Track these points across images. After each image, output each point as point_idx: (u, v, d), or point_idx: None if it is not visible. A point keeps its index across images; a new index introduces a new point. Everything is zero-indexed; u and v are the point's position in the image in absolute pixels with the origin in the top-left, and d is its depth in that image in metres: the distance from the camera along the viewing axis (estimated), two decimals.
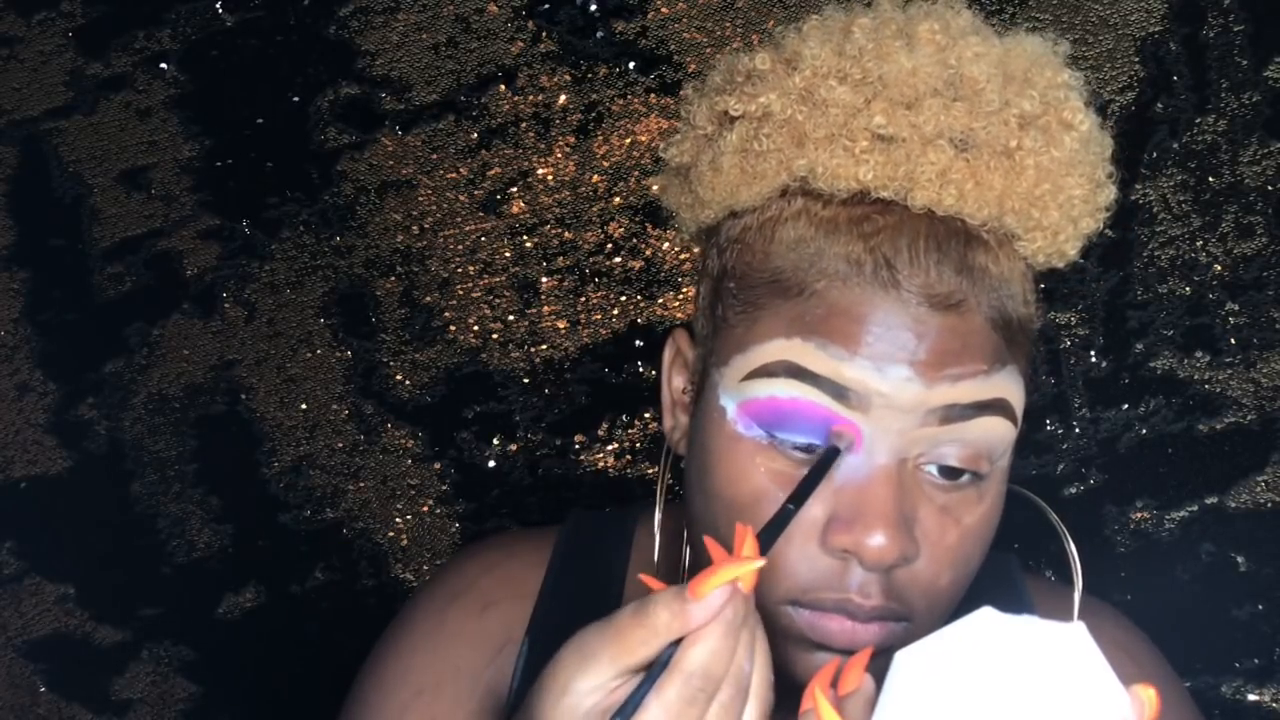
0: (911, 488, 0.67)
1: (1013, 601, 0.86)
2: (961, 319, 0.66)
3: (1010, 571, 0.88)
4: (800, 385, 0.65)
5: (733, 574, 0.57)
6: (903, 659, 0.56)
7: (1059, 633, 0.54)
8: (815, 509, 0.66)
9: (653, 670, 0.57)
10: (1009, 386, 0.67)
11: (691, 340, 0.76)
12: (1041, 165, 0.67)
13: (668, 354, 0.78)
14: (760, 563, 0.57)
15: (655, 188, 0.80)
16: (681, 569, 0.79)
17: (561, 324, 1.40)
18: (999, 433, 0.67)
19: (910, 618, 0.68)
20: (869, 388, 0.65)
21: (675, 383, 0.77)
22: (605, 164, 1.39)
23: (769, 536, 0.61)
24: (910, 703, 0.55)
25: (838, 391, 0.65)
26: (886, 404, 0.65)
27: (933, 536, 0.67)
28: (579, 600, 0.84)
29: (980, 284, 0.66)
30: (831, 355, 0.65)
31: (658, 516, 0.78)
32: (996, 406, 0.67)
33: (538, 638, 0.82)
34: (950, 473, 0.67)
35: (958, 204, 0.66)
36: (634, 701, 0.56)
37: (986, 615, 0.55)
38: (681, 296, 1.38)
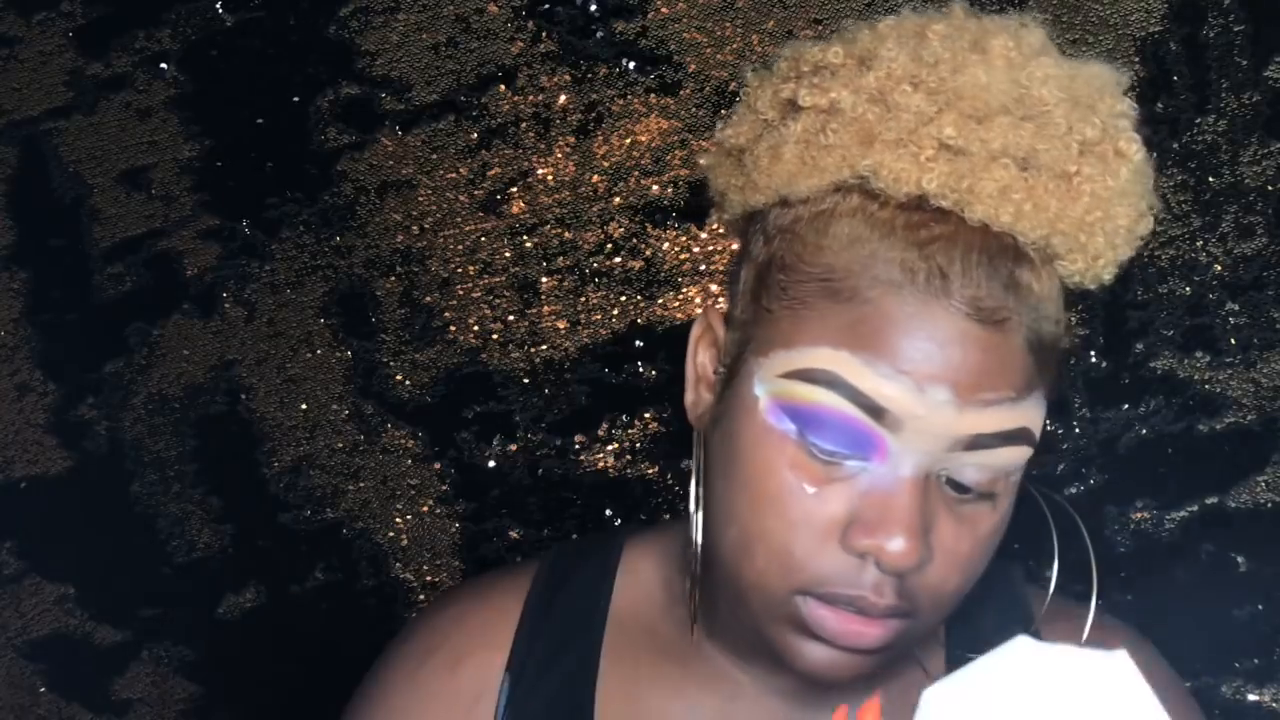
0: (932, 497, 0.69)
1: (1012, 608, 0.87)
2: (1004, 337, 0.67)
3: (1011, 578, 0.89)
4: (838, 397, 0.67)
5: None
6: (932, 696, 0.53)
7: (1100, 662, 0.51)
8: (837, 507, 0.68)
9: None
10: (1032, 414, 0.70)
11: (724, 320, 0.77)
12: (1096, 193, 0.68)
13: (696, 329, 0.79)
14: None
15: (702, 162, 0.80)
16: (692, 575, 0.79)
17: (561, 324, 1.40)
18: (1018, 459, 0.70)
19: (916, 615, 0.71)
20: (906, 410, 0.66)
21: (700, 358, 0.78)
22: (605, 164, 1.39)
23: None
24: None
25: (875, 409, 0.67)
26: (918, 427, 0.67)
27: (947, 544, 0.70)
28: (561, 631, 0.85)
29: (1024, 302, 0.68)
30: (877, 372, 0.66)
31: (694, 508, 0.77)
32: (1019, 436, 0.69)
33: (520, 674, 0.83)
34: (963, 488, 0.69)
35: (1013, 221, 0.67)
36: None
37: (1022, 645, 0.52)
38: (681, 296, 1.38)
